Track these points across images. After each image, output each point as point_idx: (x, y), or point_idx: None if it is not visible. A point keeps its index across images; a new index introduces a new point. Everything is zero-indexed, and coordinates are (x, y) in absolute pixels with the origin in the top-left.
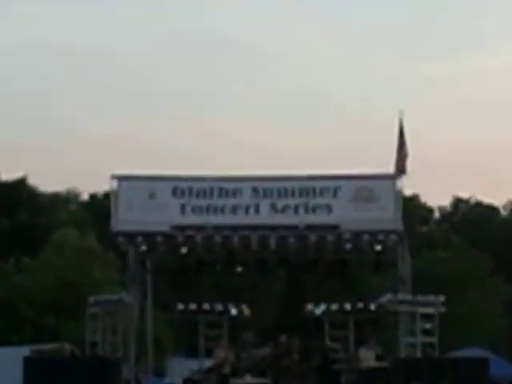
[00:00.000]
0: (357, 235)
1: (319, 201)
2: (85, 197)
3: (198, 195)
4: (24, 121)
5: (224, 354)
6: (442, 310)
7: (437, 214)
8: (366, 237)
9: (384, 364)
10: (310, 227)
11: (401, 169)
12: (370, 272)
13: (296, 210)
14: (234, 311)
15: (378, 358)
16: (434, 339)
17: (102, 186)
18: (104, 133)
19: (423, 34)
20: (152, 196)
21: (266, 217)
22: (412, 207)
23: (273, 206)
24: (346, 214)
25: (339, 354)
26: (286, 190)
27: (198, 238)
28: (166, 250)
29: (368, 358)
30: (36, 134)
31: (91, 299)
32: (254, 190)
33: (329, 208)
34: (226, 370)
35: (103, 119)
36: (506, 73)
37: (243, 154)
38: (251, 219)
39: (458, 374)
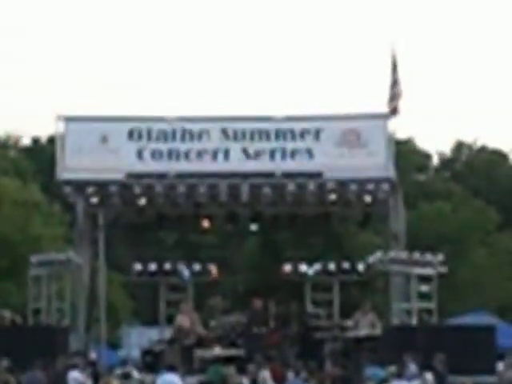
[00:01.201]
0: (342, 184)
1: (299, 145)
2: (26, 141)
3: (157, 138)
4: None
5: (188, 322)
6: (442, 270)
7: (435, 161)
8: (353, 186)
9: (376, 332)
10: (288, 175)
11: (393, 109)
12: (358, 227)
13: (272, 155)
14: (200, 272)
15: (374, 325)
16: (432, 304)
17: (46, 128)
18: (48, 68)
19: None
20: (104, 139)
21: (236, 163)
22: (406, 153)
23: (245, 151)
24: (329, 160)
25: (322, 320)
26: (260, 132)
27: (158, 187)
28: (121, 202)
29: (364, 325)
30: None
31: (33, 259)
32: (223, 131)
33: (310, 153)
34: (191, 340)
35: (46, 52)
36: None
37: None
38: (220, 166)
39: (459, 344)
